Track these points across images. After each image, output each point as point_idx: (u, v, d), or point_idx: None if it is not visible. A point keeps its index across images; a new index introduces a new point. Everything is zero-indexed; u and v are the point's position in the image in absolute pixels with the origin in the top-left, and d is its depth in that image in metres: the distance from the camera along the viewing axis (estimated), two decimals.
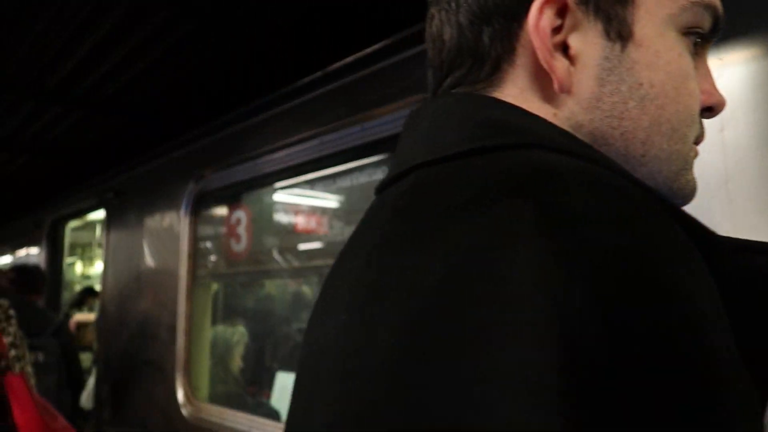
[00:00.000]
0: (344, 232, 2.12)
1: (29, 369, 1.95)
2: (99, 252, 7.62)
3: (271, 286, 3.37)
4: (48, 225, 4.70)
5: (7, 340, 1.85)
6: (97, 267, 7.91)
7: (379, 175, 1.96)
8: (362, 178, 2.03)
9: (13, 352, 1.86)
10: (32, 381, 1.94)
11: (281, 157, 2.23)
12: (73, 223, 5.08)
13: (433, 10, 0.49)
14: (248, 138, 2.43)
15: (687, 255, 0.31)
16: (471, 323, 0.29)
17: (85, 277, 7.30)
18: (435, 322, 0.30)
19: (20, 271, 3.35)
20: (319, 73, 2.12)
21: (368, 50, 1.93)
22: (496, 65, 0.45)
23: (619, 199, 0.33)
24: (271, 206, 2.56)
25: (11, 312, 1.97)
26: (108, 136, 3.89)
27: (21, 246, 5.33)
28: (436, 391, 0.28)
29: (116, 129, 3.74)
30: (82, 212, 4.33)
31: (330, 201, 2.26)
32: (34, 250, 4.97)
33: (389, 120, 1.83)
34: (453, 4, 0.46)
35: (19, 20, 2.49)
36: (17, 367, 1.86)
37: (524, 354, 0.27)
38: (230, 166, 2.51)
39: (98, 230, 6.83)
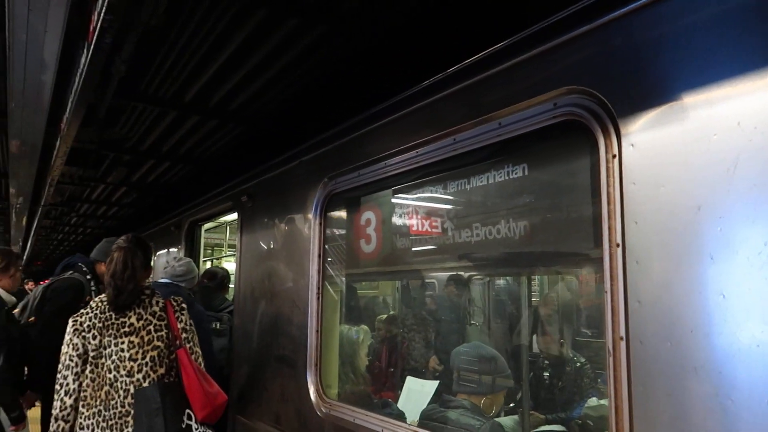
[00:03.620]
0: (478, 232, 2.04)
1: (197, 349, 2.51)
2: (228, 252, 8.14)
3: (407, 287, 3.35)
4: (186, 226, 5.06)
5: (180, 325, 2.43)
6: (226, 266, 8.44)
7: (519, 172, 1.86)
8: (499, 177, 1.94)
9: (184, 335, 2.43)
10: (200, 359, 2.49)
11: (411, 158, 2.20)
12: (206, 225, 5.43)
13: None
14: (376, 139, 2.43)
15: None
16: None
17: None
18: None
19: (209, 272, 4.40)
20: (446, 72, 2.06)
21: (498, 46, 1.84)
22: None
23: None
24: (402, 207, 2.53)
25: (184, 305, 2.52)
26: (241, 142, 4.11)
27: (165, 245, 5.80)
28: None
29: (248, 135, 3.94)
30: (216, 215, 4.61)
31: (463, 201, 2.18)
32: (174, 249, 5.39)
33: (525, 117, 1.73)
34: None
35: (162, 40, 2.68)
36: (187, 347, 2.43)
37: None
38: (359, 168, 2.51)
39: (228, 232, 7.28)
